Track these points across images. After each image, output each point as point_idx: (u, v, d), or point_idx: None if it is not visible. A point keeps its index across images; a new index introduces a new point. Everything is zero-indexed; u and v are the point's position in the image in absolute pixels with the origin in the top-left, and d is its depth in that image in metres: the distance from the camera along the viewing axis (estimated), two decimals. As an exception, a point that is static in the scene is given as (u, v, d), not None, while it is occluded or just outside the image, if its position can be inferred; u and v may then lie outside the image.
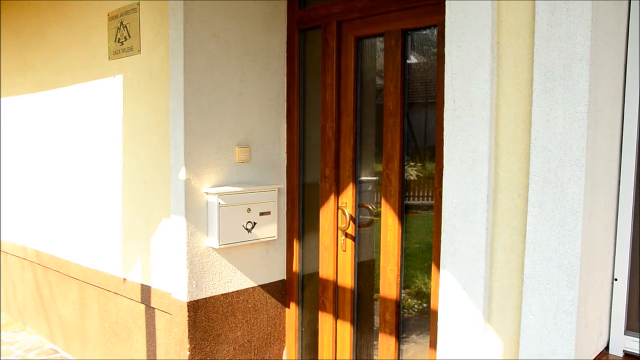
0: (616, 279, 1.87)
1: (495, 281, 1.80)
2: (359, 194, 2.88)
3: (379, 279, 2.79)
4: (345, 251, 2.92)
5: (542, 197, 1.64)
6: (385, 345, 2.78)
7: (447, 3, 1.83)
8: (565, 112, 1.59)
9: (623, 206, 1.84)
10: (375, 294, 2.86)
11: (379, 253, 2.78)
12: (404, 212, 2.68)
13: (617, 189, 1.84)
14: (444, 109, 1.86)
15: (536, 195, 1.66)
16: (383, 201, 2.72)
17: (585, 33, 1.54)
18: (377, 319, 2.86)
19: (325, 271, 3.00)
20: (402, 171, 2.65)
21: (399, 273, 2.70)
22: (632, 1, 1.78)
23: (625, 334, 1.87)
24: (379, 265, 2.79)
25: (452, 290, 1.87)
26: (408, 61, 2.64)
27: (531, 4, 1.67)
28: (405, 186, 2.67)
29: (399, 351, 2.75)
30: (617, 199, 1.85)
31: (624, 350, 1.87)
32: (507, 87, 1.74)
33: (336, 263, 2.96)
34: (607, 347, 1.89)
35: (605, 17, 1.63)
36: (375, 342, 2.90)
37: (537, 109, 1.65)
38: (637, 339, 1.84)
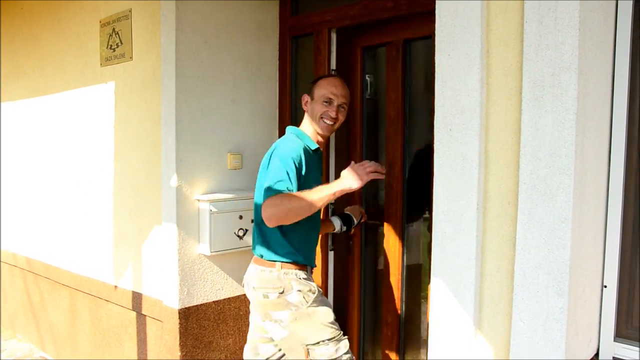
0: (605, 286, 1.87)
1: (485, 288, 1.81)
2: (359, 200, 2.88)
3: (381, 284, 2.78)
4: (337, 258, 2.92)
5: (532, 205, 1.65)
6: (386, 349, 2.77)
7: (437, 12, 1.84)
8: (554, 120, 1.60)
9: (612, 213, 1.85)
10: (377, 299, 2.86)
11: (380, 258, 2.78)
12: (405, 218, 2.67)
13: (605, 196, 1.85)
14: (434, 117, 1.86)
15: (525, 202, 1.66)
16: (385, 207, 2.71)
17: (574, 42, 1.55)
18: (378, 323, 2.86)
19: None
20: (404, 177, 2.65)
21: (401, 277, 2.69)
22: (619, 11, 1.80)
23: (614, 341, 1.87)
24: (380, 270, 2.78)
25: (442, 297, 1.87)
26: (409, 69, 2.64)
27: (520, 13, 1.68)
28: (406, 192, 2.67)
29: (400, 355, 2.74)
30: (606, 206, 1.86)
31: (613, 357, 1.87)
32: (497, 95, 1.75)
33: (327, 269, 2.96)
34: (597, 354, 1.90)
35: (593, 26, 1.64)
36: (375, 347, 2.90)
37: (526, 117, 1.65)
38: (627, 346, 1.84)
